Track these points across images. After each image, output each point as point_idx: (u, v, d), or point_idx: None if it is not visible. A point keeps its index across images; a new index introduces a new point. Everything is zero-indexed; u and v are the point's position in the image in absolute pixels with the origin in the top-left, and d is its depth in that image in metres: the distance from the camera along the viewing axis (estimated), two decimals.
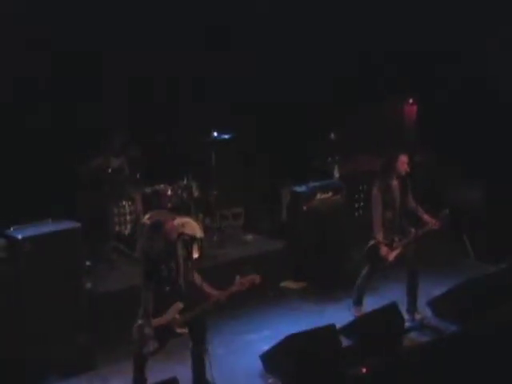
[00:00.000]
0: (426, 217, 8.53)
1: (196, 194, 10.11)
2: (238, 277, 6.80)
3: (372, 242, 8.52)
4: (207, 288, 6.88)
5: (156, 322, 6.59)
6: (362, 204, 11.08)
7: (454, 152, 11.34)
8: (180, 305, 6.69)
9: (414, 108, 12.59)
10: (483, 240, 10.62)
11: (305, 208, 10.39)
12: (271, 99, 11.16)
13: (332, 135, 11.38)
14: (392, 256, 8.42)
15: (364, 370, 7.10)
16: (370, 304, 8.51)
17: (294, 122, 11.62)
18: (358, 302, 8.83)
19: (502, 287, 8.68)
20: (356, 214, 11.20)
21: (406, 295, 8.71)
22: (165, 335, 6.66)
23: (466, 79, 11.42)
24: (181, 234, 6.84)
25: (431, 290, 8.89)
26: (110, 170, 9.70)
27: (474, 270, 10.04)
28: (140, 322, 6.58)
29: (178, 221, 7.13)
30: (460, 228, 10.82)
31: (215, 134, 10.38)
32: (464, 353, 7.31)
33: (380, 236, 8.45)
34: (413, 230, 8.54)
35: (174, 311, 6.66)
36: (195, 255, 7.03)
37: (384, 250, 8.42)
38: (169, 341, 6.75)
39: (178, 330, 6.73)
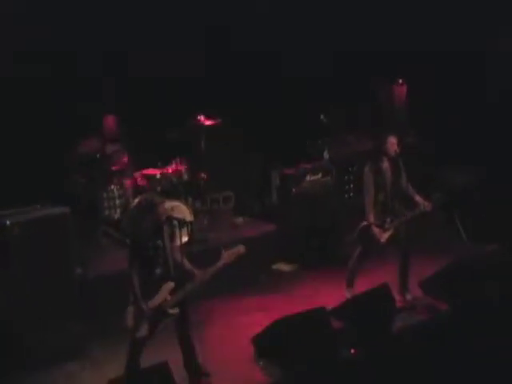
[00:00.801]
0: (417, 198, 8.59)
1: (186, 177, 10.12)
2: (223, 251, 6.82)
3: (364, 224, 8.55)
4: (195, 269, 6.87)
5: (148, 304, 6.61)
6: (352, 186, 11.17)
7: (445, 134, 11.49)
8: (171, 284, 6.71)
9: (404, 88, 12.60)
10: (475, 222, 10.71)
11: (294, 190, 10.49)
12: (262, 80, 11.22)
13: (322, 117, 11.45)
14: (384, 237, 8.48)
15: (353, 352, 7.18)
16: (362, 285, 8.52)
17: (283, 104, 11.63)
18: (350, 284, 8.86)
19: (492, 267, 8.74)
20: (346, 195, 11.28)
21: (397, 276, 8.78)
22: (157, 317, 6.67)
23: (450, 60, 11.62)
24: (170, 218, 6.81)
25: (423, 270, 8.88)
26: (98, 156, 9.68)
27: (466, 251, 10.15)
28: (131, 306, 6.60)
29: (168, 204, 7.08)
30: (452, 210, 10.89)
31: (203, 117, 10.38)
32: (455, 332, 7.43)
33: (372, 217, 8.49)
34: (405, 211, 8.60)
35: (165, 291, 6.66)
36: (185, 239, 7.00)
37: (376, 231, 8.47)
38: (162, 322, 6.74)
39: (170, 311, 6.74)
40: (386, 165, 8.56)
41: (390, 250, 8.84)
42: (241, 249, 6.90)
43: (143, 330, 6.58)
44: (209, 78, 10.94)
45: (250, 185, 11.65)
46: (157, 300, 6.66)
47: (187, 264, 6.82)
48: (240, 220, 10.67)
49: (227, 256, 6.81)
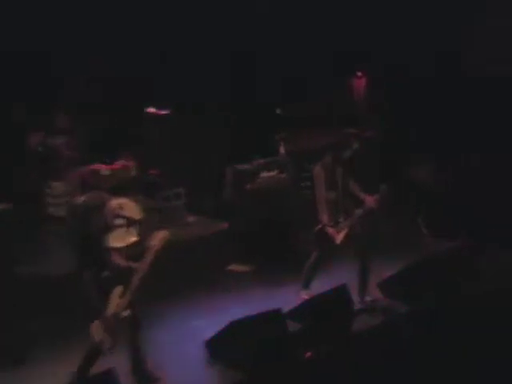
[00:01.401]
0: (362, 195, 8.58)
1: (135, 173, 9.98)
2: (150, 242, 6.73)
3: (318, 226, 8.54)
4: (133, 264, 6.76)
5: (107, 314, 6.57)
6: (309, 183, 10.71)
7: (406, 126, 11.53)
8: (120, 288, 6.63)
9: (363, 81, 12.59)
10: (437, 217, 10.73)
11: (249, 187, 10.43)
12: (215, 74, 11.29)
13: (279, 110, 11.50)
14: (339, 238, 8.48)
15: (309, 355, 7.14)
16: (320, 287, 8.48)
17: (238, 97, 11.64)
18: (307, 286, 8.85)
19: (455, 265, 8.80)
20: (304, 192, 11.03)
21: (357, 277, 8.77)
22: (115, 324, 6.64)
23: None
24: (118, 217, 6.71)
25: (383, 270, 8.87)
26: (40, 149, 9.59)
27: (428, 248, 10.18)
28: (96, 320, 6.56)
29: (116, 202, 6.97)
30: (413, 205, 10.98)
31: (153, 109, 10.38)
32: (415, 334, 7.41)
33: (325, 218, 8.48)
34: (356, 209, 8.61)
35: (115, 297, 6.60)
36: (133, 239, 6.93)
37: (331, 232, 8.47)
38: (119, 328, 6.71)
39: (123, 314, 6.66)
40: (338, 161, 8.53)
41: (349, 250, 8.81)
42: (165, 233, 6.77)
43: (109, 341, 6.56)
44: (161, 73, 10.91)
45: (203, 181, 11.54)
46: (112, 307, 6.60)
47: (124, 262, 6.71)
48: (192, 218, 10.66)
49: (153, 246, 6.68)
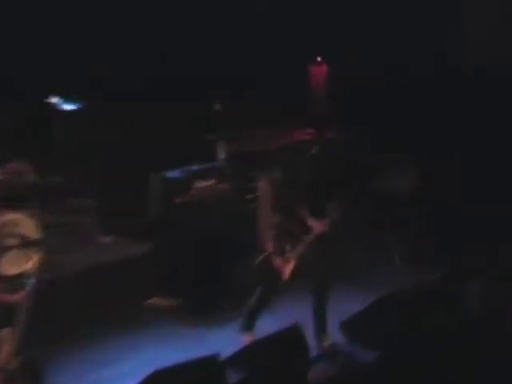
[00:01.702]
0: (309, 220, 8.53)
1: (32, 179, 9.76)
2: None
3: (262, 255, 8.59)
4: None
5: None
6: (256, 194, 10.96)
7: (377, 128, 11.51)
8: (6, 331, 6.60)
9: (324, 69, 12.50)
10: (414, 240, 10.87)
11: (179, 200, 10.37)
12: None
13: (217, 105, 11.41)
14: (288, 269, 8.48)
15: None
16: (265, 329, 8.38)
17: (167, 87, 11.48)
18: (249, 327, 8.80)
19: (435, 302, 8.70)
20: (248, 207, 11.05)
21: (312, 316, 8.73)
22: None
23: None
24: (10, 236, 6.74)
25: (345, 307, 8.78)
26: None
27: (401, 279, 10.20)
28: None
29: (8, 217, 6.97)
30: (383, 225, 10.99)
31: (58, 100, 10.26)
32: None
33: (270, 246, 8.50)
34: (304, 235, 8.59)
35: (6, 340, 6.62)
36: (30, 264, 6.74)
37: (277, 263, 8.48)
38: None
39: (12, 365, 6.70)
40: (291, 173, 8.56)
41: (301, 284, 8.80)
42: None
43: None
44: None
45: (122, 191, 11.17)
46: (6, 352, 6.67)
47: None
48: (107, 238, 10.58)
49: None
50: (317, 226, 8.46)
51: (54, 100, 10.05)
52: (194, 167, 10.65)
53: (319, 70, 12.49)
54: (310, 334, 8.33)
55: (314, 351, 8.35)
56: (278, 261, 8.50)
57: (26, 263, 6.84)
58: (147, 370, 7.02)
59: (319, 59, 12.48)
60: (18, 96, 10.19)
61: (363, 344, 8.49)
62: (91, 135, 11.00)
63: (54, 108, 10.14)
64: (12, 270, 6.68)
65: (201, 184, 10.52)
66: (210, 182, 10.57)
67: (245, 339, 8.64)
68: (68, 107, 10.26)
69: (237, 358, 7.62)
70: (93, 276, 9.32)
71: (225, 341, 8.63)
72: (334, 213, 8.52)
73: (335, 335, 8.75)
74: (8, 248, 6.75)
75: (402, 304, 8.61)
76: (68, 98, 10.27)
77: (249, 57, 11.73)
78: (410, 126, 11.38)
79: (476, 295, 8.74)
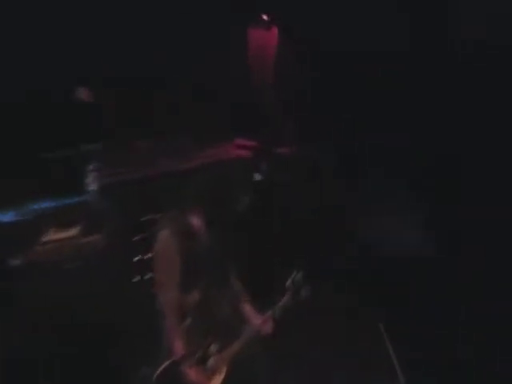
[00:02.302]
0: (248, 311, 6.70)
1: None
2: None
3: (166, 363, 6.39)
4: None
5: None
6: (149, 255, 7.94)
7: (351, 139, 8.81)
8: None
9: (274, 33, 9.04)
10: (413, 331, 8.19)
11: (16, 262, 7.56)
12: None
13: (79, 96, 8.67)
14: None
15: None
16: None
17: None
18: None
19: None
20: (138, 277, 8.22)
21: None
22: None
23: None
24: None
25: None
26: None
27: None
28: None
29: None
30: (372, 309, 8.51)
31: None
32: None
33: (179, 347, 6.34)
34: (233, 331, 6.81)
35: None
36: None
37: (190, 374, 6.35)
38: None
39: None
40: (215, 219, 6.40)
41: None
42: None
43: None
44: None
45: None
46: None
47: None
48: None
49: None
50: (255, 324, 6.42)
51: None
52: (43, 204, 7.84)
53: (265, 37, 9.02)
54: None
55: None
56: (189, 372, 6.19)
57: None
58: None
59: (266, 18, 8.95)
60: None
61: None
62: None
63: None
64: None
65: (54, 236, 7.69)
66: (69, 233, 7.70)
67: None
68: None
69: None
70: None
71: None
72: (291, 287, 6.31)
73: None
74: None
75: None
76: None
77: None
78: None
79: None
